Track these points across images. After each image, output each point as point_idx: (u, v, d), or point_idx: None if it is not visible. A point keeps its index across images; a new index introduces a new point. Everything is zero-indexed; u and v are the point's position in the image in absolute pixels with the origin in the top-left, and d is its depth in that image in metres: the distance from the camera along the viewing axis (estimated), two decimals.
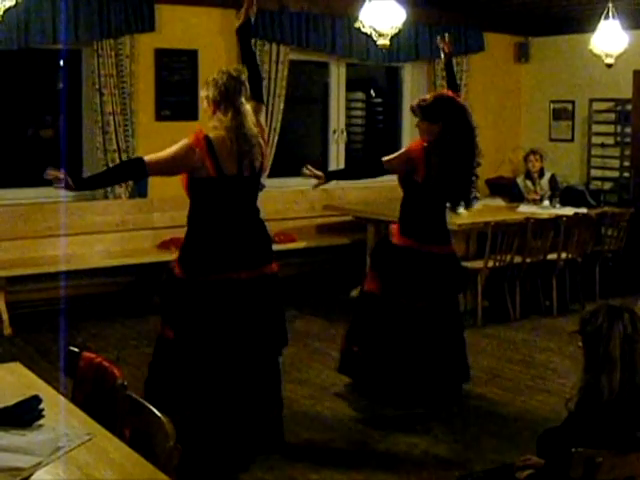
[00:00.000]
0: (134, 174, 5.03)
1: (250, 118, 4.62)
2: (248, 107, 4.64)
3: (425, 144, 5.52)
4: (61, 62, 8.27)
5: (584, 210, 8.47)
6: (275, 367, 4.88)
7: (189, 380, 4.65)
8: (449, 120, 5.43)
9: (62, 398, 3.15)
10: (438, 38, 6.27)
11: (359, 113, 11.19)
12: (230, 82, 4.59)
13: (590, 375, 3.06)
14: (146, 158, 4.54)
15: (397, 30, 6.63)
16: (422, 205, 5.63)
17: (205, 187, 4.59)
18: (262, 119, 4.94)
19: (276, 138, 8.91)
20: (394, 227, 5.75)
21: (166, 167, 4.62)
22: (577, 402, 3.12)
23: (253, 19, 4.91)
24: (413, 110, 5.65)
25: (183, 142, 4.55)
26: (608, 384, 3.01)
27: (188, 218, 4.72)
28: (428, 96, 5.72)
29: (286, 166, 9.48)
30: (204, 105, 4.72)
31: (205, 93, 4.67)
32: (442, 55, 6.29)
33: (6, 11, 5.25)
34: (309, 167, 5.48)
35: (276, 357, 4.91)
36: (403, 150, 5.78)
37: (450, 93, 5.74)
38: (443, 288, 5.70)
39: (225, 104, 4.58)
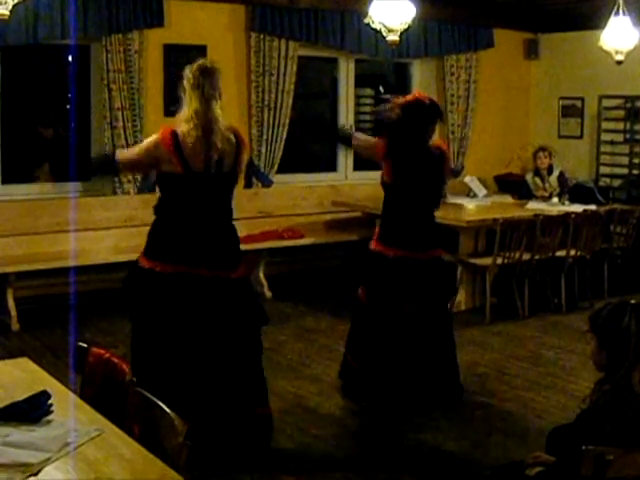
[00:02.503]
0: (107, 170, 4.97)
1: (221, 116, 4.55)
2: (220, 103, 4.59)
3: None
4: (70, 57, 8.26)
5: (593, 207, 8.45)
6: (256, 357, 4.81)
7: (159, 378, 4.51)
8: (402, 122, 5.35)
9: (71, 394, 3.15)
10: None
11: (368, 109, 11.16)
12: (201, 75, 4.54)
13: (620, 373, 3.05)
14: (118, 156, 4.62)
15: (406, 26, 6.61)
16: (398, 208, 5.54)
17: (172, 182, 4.56)
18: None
19: (285, 134, 8.90)
20: (376, 231, 5.69)
21: (138, 164, 4.75)
22: (597, 400, 3.10)
23: None
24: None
25: (152, 138, 4.58)
26: None
27: (155, 208, 4.68)
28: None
29: (295, 162, 9.49)
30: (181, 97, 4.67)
31: (180, 85, 4.64)
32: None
33: (15, 6, 5.25)
34: None
35: (256, 352, 4.82)
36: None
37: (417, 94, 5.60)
38: (428, 294, 5.58)
39: (194, 96, 4.53)
